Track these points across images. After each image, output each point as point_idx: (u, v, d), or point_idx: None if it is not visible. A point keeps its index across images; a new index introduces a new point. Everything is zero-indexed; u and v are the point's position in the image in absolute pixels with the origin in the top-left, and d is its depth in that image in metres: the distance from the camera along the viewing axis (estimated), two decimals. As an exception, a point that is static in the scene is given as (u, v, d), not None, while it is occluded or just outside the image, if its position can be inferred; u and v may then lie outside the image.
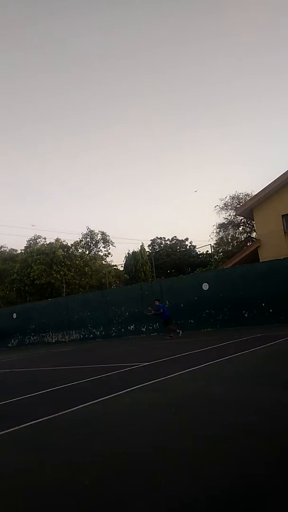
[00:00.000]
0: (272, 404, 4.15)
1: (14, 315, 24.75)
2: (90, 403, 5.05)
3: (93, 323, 21.17)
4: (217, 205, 31.48)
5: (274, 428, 3.42)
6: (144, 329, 19.25)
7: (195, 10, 63.91)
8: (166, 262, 41.07)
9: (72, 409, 4.79)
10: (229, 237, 31.91)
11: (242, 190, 45.19)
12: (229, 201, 30.91)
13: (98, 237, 37.06)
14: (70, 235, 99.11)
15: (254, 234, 29.10)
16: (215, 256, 31.67)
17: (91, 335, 21.14)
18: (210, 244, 32.08)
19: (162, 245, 48.52)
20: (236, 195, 31.02)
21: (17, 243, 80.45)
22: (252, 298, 16.21)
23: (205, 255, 42.28)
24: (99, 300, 21.28)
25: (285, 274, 15.65)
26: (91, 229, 36.95)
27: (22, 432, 4.13)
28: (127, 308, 19.89)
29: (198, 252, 44.86)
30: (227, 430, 3.47)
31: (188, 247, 47.78)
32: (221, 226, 31.65)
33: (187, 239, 48.53)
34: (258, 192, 20.78)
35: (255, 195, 21.54)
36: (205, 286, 17.65)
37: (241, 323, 16.21)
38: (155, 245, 48.45)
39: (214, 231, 32.29)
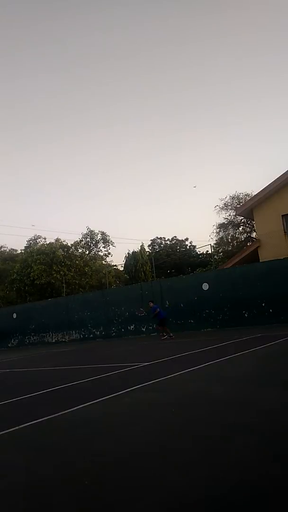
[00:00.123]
0: (272, 404, 4.15)
1: (14, 315, 24.75)
2: (90, 403, 5.05)
3: (93, 323, 21.17)
4: (217, 205, 31.53)
5: (274, 428, 3.42)
6: (144, 329, 19.25)
7: (195, 10, 63.94)
8: (166, 262, 41.07)
9: (72, 409, 4.79)
10: (229, 237, 31.92)
11: (242, 190, 45.25)
12: (229, 201, 30.95)
13: (98, 237, 37.08)
14: (70, 235, 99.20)
15: (254, 234, 29.11)
16: (215, 256, 31.68)
17: (91, 335, 21.14)
18: (210, 244, 32.11)
19: (162, 245, 48.52)
20: (236, 195, 31.06)
21: (17, 243, 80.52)
22: (252, 298, 16.21)
23: (205, 255, 42.28)
24: (99, 300, 21.29)
25: (285, 274, 15.65)
26: (91, 229, 37.01)
27: (22, 432, 4.13)
28: (127, 308, 19.89)
29: (198, 252, 44.88)
30: (227, 430, 3.46)
31: (188, 247, 47.79)
32: (221, 226, 31.66)
33: (187, 239, 48.59)
34: (258, 192, 20.78)
35: (255, 195, 21.54)
36: (205, 286, 17.65)
37: (241, 323, 16.21)
38: (155, 245, 48.46)
39: (214, 231, 32.34)
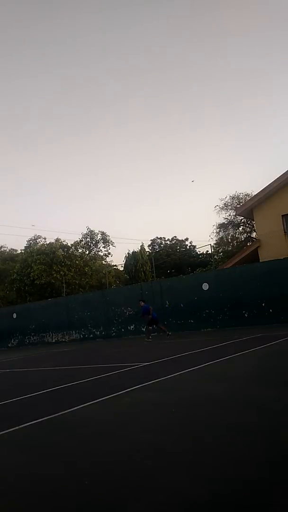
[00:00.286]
0: (272, 404, 4.15)
1: (14, 315, 24.74)
2: (90, 403, 5.05)
3: (93, 323, 21.17)
4: (217, 205, 31.51)
5: (274, 428, 3.42)
6: (144, 329, 19.15)
7: (195, 10, 63.93)
8: (166, 262, 41.07)
9: (72, 409, 4.80)
10: (229, 237, 31.91)
11: (242, 190, 45.24)
12: (229, 201, 30.93)
13: (98, 237, 37.04)
14: (70, 235, 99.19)
15: (254, 234, 29.10)
16: (215, 256, 31.67)
17: (91, 335, 21.14)
18: (210, 244, 32.12)
19: (162, 245, 48.53)
20: (236, 195, 31.05)
21: (17, 243, 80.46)
22: (252, 298, 16.20)
23: (205, 255, 42.29)
24: (99, 300, 21.28)
25: (285, 274, 15.65)
26: (91, 229, 36.96)
27: (22, 432, 4.13)
28: (127, 308, 19.89)
29: (198, 252, 44.89)
30: (227, 430, 3.47)
31: (188, 247, 47.79)
32: (221, 226, 31.66)
33: (187, 239, 48.60)
34: (258, 192, 20.77)
35: (255, 195, 21.53)
36: (205, 286, 17.65)
37: (241, 323, 16.21)
38: (155, 245, 48.47)
39: (214, 231, 32.32)
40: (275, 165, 62.16)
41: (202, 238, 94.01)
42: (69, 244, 32.28)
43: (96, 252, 37.29)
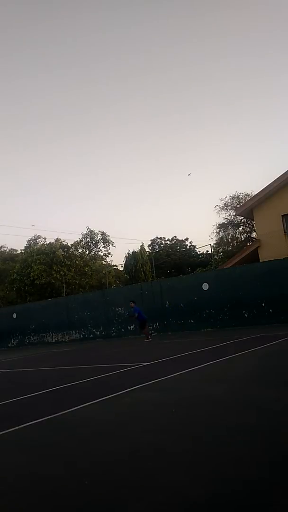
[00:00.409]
0: (272, 404, 4.15)
1: (14, 315, 24.74)
2: (90, 403, 5.05)
3: (93, 323, 21.17)
4: (217, 205, 31.53)
5: (274, 428, 3.42)
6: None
7: (195, 10, 63.93)
8: (166, 262, 41.08)
9: (72, 409, 4.80)
10: (229, 237, 31.92)
11: (242, 190, 45.24)
12: (229, 201, 30.94)
13: (98, 237, 37.05)
14: (70, 235, 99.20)
15: (254, 234, 29.11)
16: (215, 256, 31.67)
17: (91, 335, 21.14)
18: (210, 244, 32.11)
19: (162, 245, 48.54)
20: (236, 195, 31.06)
21: (17, 243, 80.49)
22: (252, 298, 16.20)
23: (205, 255, 42.31)
24: (99, 300, 21.28)
25: (285, 274, 15.65)
26: (91, 229, 36.98)
27: (22, 432, 4.13)
28: (127, 308, 19.85)
29: (198, 252, 44.90)
30: (227, 430, 3.47)
31: (188, 247, 47.81)
32: (221, 226, 31.66)
33: (187, 239, 48.62)
34: (258, 192, 20.77)
35: (255, 195, 21.53)
36: (205, 286, 17.65)
37: (241, 323, 16.21)
38: (155, 245, 48.49)
39: (214, 231, 32.33)
40: (275, 165, 62.27)
41: (202, 238, 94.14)
42: (69, 244, 32.31)
43: (96, 252, 37.30)
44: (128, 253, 34.00)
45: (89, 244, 37.03)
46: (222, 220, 31.58)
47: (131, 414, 4.42)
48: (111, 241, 37.12)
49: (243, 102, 68.44)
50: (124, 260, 34.08)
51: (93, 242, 37.14)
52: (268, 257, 18.52)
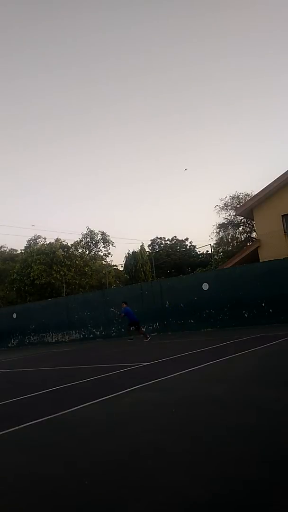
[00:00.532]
0: (272, 404, 4.15)
1: (14, 315, 24.74)
2: (90, 403, 5.05)
3: (93, 323, 21.17)
4: (217, 205, 31.54)
5: (274, 428, 3.42)
6: (144, 329, 19.20)
7: (195, 10, 63.94)
8: (166, 262, 41.09)
9: (72, 409, 4.80)
10: (229, 237, 31.92)
11: (242, 190, 45.25)
12: (229, 201, 30.95)
13: (98, 237, 37.06)
14: (70, 235, 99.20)
15: (254, 234, 29.11)
16: (215, 256, 31.67)
17: (91, 335, 21.14)
18: (210, 244, 32.13)
19: (162, 245, 48.56)
20: (236, 195, 31.07)
21: (17, 243, 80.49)
22: (252, 298, 16.20)
23: (205, 255, 42.32)
24: (99, 300, 21.28)
25: (285, 274, 15.65)
26: (91, 229, 36.99)
27: (22, 432, 4.13)
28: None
29: (198, 252, 44.92)
30: (227, 430, 3.46)
31: (188, 247, 47.83)
32: (221, 226, 31.66)
33: (187, 239, 48.64)
34: (258, 192, 20.78)
35: (255, 195, 21.54)
36: (205, 286, 17.65)
37: (241, 323, 16.21)
38: (155, 245, 48.50)
39: (214, 231, 32.34)
40: (275, 165, 62.27)
41: (202, 238, 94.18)
42: (69, 244, 32.31)
43: (96, 252, 37.31)
44: (128, 253, 34.04)
45: (89, 244, 37.04)
46: (222, 220, 31.63)
47: (131, 414, 4.42)
48: (111, 241, 37.18)
49: (243, 102, 68.51)
50: (124, 260, 34.11)
51: (93, 242, 37.16)
52: (268, 257, 18.52)
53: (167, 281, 20.77)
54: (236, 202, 30.26)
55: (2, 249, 38.93)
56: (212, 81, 65.69)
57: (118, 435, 3.69)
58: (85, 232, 36.73)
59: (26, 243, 34.96)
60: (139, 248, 34.26)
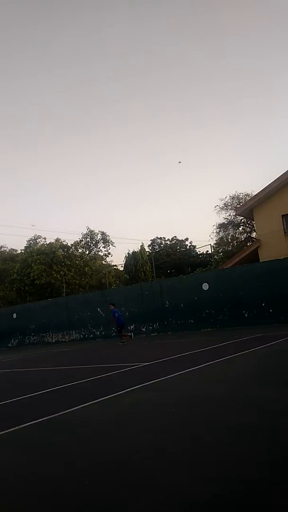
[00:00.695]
0: (272, 404, 4.15)
1: (14, 315, 24.74)
2: (90, 403, 5.05)
3: (93, 323, 21.17)
4: (217, 205, 31.52)
5: (274, 428, 3.42)
6: (144, 329, 19.25)
7: (195, 9, 63.94)
8: (166, 262, 41.08)
9: (72, 409, 4.80)
10: (229, 237, 31.91)
11: (242, 190, 45.22)
12: (229, 201, 30.94)
13: (98, 237, 37.05)
14: (70, 235, 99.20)
15: (254, 234, 29.10)
16: (215, 256, 31.67)
17: (91, 335, 21.14)
18: (210, 244, 32.10)
19: (162, 245, 48.55)
20: (236, 195, 31.05)
21: (17, 243, 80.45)
22: (252, 298, 16.21)
23: (205, 255, 42.31)
24: (99, 300, 21.28)
25: (285, 274, 15.65)
26: (91, 229, 36.98)
27: (22, 432, 4.13)
28: (127, 308, 19.88)
29: (198, 252, 44.91)
30: (227, 430, 3.46)
31: (188, 247, 47.81)
32: (221, 226, 31.66)
33: (187, 239, 48.62)
34: (258, 192, 20.78)
35: (255, 195, 21.54)
36: (205, 286, 17.65)
37: (241, 323, 16.21)
38: (155, 245, 48.49)
39: (214, 231, 32.33)
40: (275, 165, 62.25)
41: (202, 238, 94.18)
42: (69, 244, 32.30)
43: (96, 252, 37.30)
44: (128, 253, 34.00)
45: (89, 244, 37.04)
46: (222, 220, 31.62)
47: (131, 414, 4.42)
48: (111, 241, 37.17)
49: (243, 102, 68.49)
50: (124, 260, 34.07)
51: (93, 242, 37.16)
52: (268, 257, 18.52)
53: (167, 281, 20.77)
54: (236, 202, 30.25)
55: (2, 249, 38.94)
56: (212, 81, 65.76)
57: (118, 435, 3.69)
58: (85, 232, 36.77)
59: (26, 243, 35.00)
60: (139, 248, 34.25)
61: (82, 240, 35.94)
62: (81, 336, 21.50)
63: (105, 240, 37.12)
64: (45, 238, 34.60)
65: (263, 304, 16.03)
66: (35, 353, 16.69)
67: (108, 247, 37.28)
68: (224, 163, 72.18)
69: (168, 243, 48.60)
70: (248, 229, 31.43)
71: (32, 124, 71.76)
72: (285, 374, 5.97)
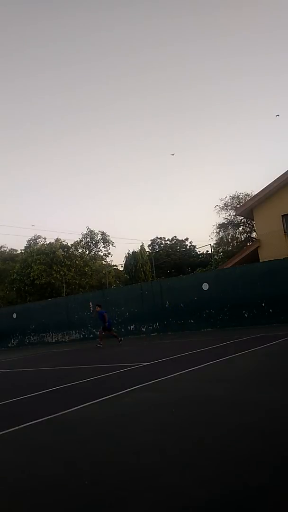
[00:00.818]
0: (272, 404, 4.15)
1: (14, 315, 24.74)
2: (90, 403, 5.05)
3: (93, 323, 21.12)
4: (217, 205, 31.53)
5: (274, 428, 3.42)
6: (144, 329, 19.24)
7: (195, 9, 63.94)
8: (166, 262, 41.08)
9: (72, 409, 4.79)
10: (229, 237, 31.92)
11: (242, 190, 45.21)
12: (229, 201, 30.94)
13: (98, 237, 37.06)
14: (70, 235, 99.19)
15: (254, 234, 29.10)
16: (215, 256, 31.67)
17: (91, 335, 21.12)
18: (210, 244, 32.13)
19: (162, 245, 48.54)
20: (236, 195, 31.06)
21: (17, 243, 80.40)
22: (252, 298, 16.20)
23: (205, 255, 42.30)
24: (99, 300, 21.25)
25: (285, 274, 15.64)
26: (91, 229, 36.99)
27: (22, 432, 4.13)
28: (127, 308, 19.88)
29: (198, 252, 44.90)
30: (226, 430, 3.46)
31: (188, 247, 47.80)
32: (221, 226, 31.66)
33: (187, 239, 48.60)
34: (258, 192, 20.78)
35: (255, 195, 21.54)
36: (205, 286, 17.65)
37: (241, 323, 16.21)
38: (155, 245, 48.48)
39: (214, 231, 32.33)
40: (275, 165, 62.24)
41: (202, 238, 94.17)
42: (69, 244, 32.30)
43: (96, 252, 37.31)
44: (128, 253, 33.97)
45: (89, 244, 37.04)
46: (222, 220, 31.62)
47: (131, 414, 4.42)
48: (111, 241, 37.18)
49: (243, 102, 68.48)
50: (124, 260, 34.05)
51: (93, 242, 37.16)
52: (268, 257, 18.51)
53: (167, 281, 20.76)
54: (236, 202, 30.26)
55: (2, 249, 38.93)
56: (212, 81, 65.75)
57: (118, 435, 3.69)
58: (85, 232, 36.78)
59: (26, 243, 34.99)
60: (139, 248, 34.22)
61: (82, 240, 35.96)
62: (81, 336, 21.50)
63: (105, 240, 37.15)
64: (45, 238, 34.64)
65: (263, 304, 16.03)
66: (35, 353, 16.69)
67: (108, 247, 37.34)
68: (224, 163, 72.23)
69: (168, 243, 48.59)
70: (248, 229, 31.44)
71: (32, 124, 71.81)
72: (285, 374, 5.97)
